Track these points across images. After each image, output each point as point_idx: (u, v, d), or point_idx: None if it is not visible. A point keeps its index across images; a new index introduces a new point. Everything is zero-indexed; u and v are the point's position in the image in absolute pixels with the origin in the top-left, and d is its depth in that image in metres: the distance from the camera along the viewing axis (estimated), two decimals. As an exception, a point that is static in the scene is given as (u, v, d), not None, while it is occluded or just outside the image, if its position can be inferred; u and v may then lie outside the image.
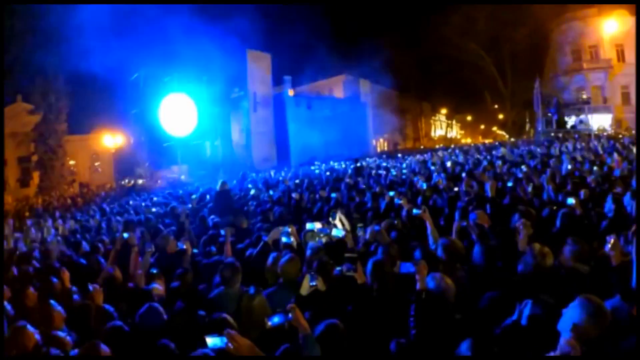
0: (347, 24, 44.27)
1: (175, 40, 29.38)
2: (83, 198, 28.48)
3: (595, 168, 10.36)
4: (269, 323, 3.15)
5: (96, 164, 48.17)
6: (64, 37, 31.69)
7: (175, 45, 29.70)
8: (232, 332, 2.84)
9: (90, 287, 4.63)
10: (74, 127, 42.25)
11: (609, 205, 6.30)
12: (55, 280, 5.32)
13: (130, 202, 19.16)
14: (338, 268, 4.24)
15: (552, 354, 2.52)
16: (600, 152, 14.76)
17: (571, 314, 2.85)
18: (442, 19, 47.21)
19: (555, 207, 6.34)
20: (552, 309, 3.01)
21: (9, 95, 38.54)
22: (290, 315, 3.14)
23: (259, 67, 39.03)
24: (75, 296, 5.07)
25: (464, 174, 12.77)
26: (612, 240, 3.96)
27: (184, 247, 6.31)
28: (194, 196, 14.09)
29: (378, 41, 49.36)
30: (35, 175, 40.21)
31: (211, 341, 2.81)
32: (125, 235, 6.68)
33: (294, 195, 11.45)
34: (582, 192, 6.86)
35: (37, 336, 3.74)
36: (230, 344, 2.77)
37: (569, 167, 11.21)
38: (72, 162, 43.81)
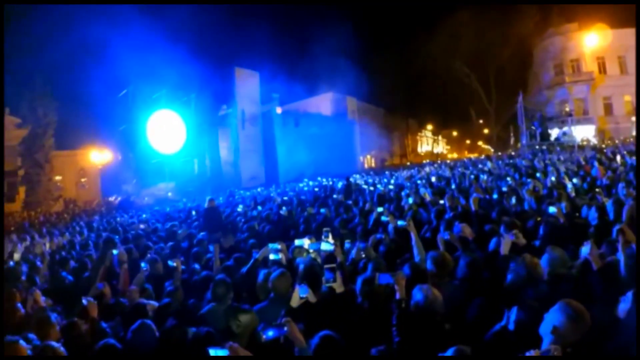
0: (336, 42, 44.61)
1: (164, 57, 29.50)
2: (70, 214, 28.27)
3: (575, 180, 10.51)
4: (264, 337, 3.18)
5: (83, 180, 47.80)
6: (53, 51, 31.75)
7: (164, 63, 29.81)
8: (235, 345, 2.87)
9: (85, 301, 4.62)
10: (61, 143, 42.11)
11: (592, 214, 6.44)
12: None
13: (118, 219, 19.10)
14: (325, 285, 4.32)
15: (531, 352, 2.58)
16: (583, 163, 14.98)
17: (551, 318, 2.93)
18: (428, 37, 47.88)
19: (539, 218, 6.44)
20: (538, 313, 3.09)
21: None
22: (285, 328, 3.18)
23: (247, 85, 39.20)
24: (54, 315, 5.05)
25: (454, 186, 12.95)
26: (589, 246, 4.10)
27: (174, 264, 6.33)
28: None
29: (364, 59, 49.99)
30: (21, 190, 39.84)
31: (214, 352, 2.85)
32: (115, 252, 6.68)
33: (282, 212, 11.50)
34: (564, 204, 6.99)
35: (29, 352, 3.76)
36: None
37: (553, 178, 11.38)
38: (58, 178, 43.45)
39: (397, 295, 3.72)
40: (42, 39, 33.34)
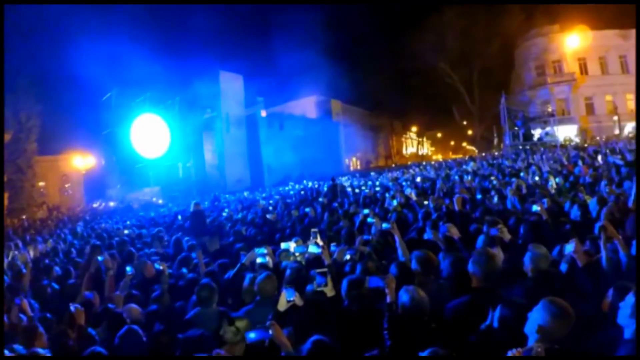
0: (319, 45, 44.63)
1: (148, 60, 29.30)
2: (53, 221, 27.90)
3: (558, 179, 10.62)
4: (247, 339, 3.15)
5: (66, 185, 47.22)
6: (36, 55, 31.41)
7: (147, 66, 29.59)
8: (222, 352, 2.84)
9: (72, 308, 4.57)
10: (44, 148, 41.41)
11: (575, 212, 6.52)
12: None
13: (103, 225, 18.90)
14: (310, 285, 4.32)
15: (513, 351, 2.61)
16: (566, 162, 15.12)
17: (536, 317, 2.94)
18: (411, 38, 48.19)
19: (521, 216, 6.50)
20: (522, 311, 3.11)
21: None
22: (270, 331, 3.14)
23: (231, 88, 39.04)
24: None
25: (438, 187, 13.01)
26: (573, 243, 4.16)
27: (161, 268, 6.29)
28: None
29: (348, 61, 50.10)
30: (4, 197, 39.24)
31: None
32: (100, 258, 6.62)
33: (268, 216, 11.48)
34: (545, 200, 7.08)
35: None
36: None
37: (536, 178, 11.50)
38: (41, 184, 42.81)
39: (388, 299, 3.72)
40: (25, 42, 32.97)
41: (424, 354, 2.81)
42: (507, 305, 3.31)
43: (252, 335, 3.16)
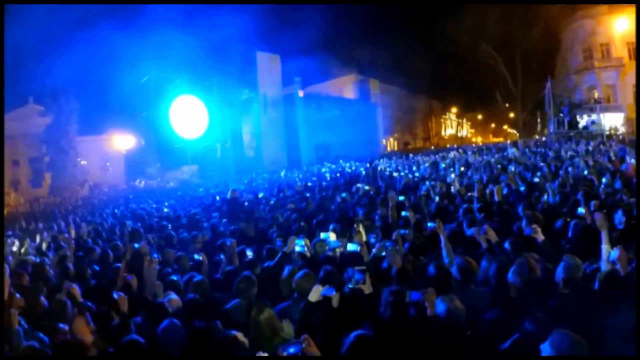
0: (358, 24, 44.12)
1: (186, 42, 29.52)
2: (96, 199, 28.67)
3: (605, 179, 10.06)
4: (285, 353, 3.13)
5: (107, 164, 48.62)
6: (75, 40, 32.01)
7: (185, 48, 29.83)
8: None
9: (115, 295, 4.65)
10: (86, 128, 42.81)
11: (619, 217, 6.22)
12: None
13: (141, 206, 19.26)
14: (349, 284, 4.31)
15: None
16: (613, 157, 14.36)
17: (548, 352, 2.83)
18: (454, 19, 46.99)
19: (568, 219, 6.22)
20: (545, 327, 3.03)
21: (20, 97, 39.49)
22: (303, 345, 3.09)
23: (268, 68, 39.01)
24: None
25: (477, 177, 12.76)
26: (617, 251, 4.00)
27: (200, 258, 6.39)
28: None
29: (388, 41, 49.38)
30: (47, 176, 40.89)
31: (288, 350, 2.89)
32: (137, 245, 6.66)
33: (303, 204, 11.51)
34: (593, 203, 6.79)
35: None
36: None
37: (585, 172, 11.05)
38: (83, 163, 44.15)
39: (428, 312, 3.68)
40: (64, 28, 33.64)
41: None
42: (532, 320, 3.28)
43: (292, 350, 3.11)
